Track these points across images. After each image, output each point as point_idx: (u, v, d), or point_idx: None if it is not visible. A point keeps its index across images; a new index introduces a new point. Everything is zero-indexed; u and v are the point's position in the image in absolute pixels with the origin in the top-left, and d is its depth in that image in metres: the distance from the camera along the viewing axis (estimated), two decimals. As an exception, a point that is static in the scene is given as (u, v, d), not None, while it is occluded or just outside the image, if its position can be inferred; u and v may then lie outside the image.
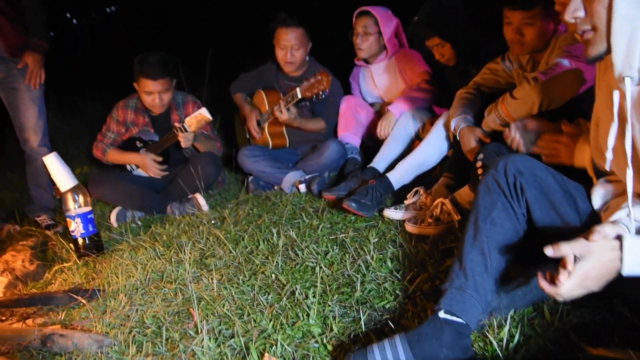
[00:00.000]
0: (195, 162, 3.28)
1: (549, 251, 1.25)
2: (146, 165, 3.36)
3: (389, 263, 2.07)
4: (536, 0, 2.18)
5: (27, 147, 3.39)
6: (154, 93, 3.29)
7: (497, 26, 2.38)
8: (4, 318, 2.13)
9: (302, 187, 3.19)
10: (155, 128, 3.43)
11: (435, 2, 2.85)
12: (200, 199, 3.14)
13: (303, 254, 2.26)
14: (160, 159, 3.37)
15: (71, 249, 2.71)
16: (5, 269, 2.41)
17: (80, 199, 2.69)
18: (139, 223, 3.13)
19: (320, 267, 2.12)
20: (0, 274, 2.38)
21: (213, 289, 2.07)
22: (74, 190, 2.69)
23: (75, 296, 2.12)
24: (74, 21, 16.96)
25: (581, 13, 1.25)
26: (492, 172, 1.59)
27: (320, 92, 3.08)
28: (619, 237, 1.25)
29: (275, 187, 3.37)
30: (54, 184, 3.62)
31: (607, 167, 1.45)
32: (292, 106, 3.24)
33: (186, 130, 3.23)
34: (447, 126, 2.62)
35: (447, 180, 2.55)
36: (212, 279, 2.14)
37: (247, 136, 3.77)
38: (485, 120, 2.34)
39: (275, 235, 2.51)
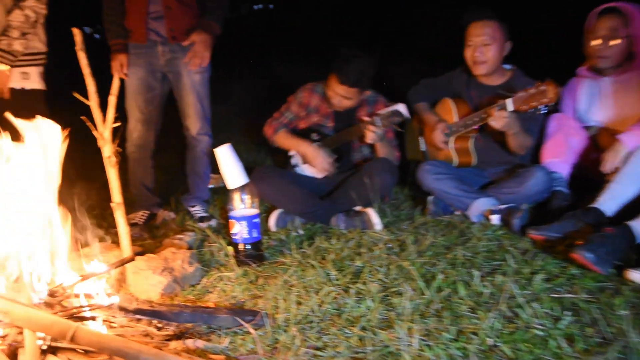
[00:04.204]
0: (370, 169, 2.86)
1: None
2: (316, 156, 3.06)
3: (662, 356, 1.49)
4: None
5: (187, 134, 3.22)
6: (340, 96, 3.04)
7: None
8: (160, 325, 1.84)
9: (495, 219, 2.65)
10: (337, 121, 3.12)
11: None
12: (373, 215, 2.71)
13: (524, 314, 1.74)
14: (333, 158, 3.06)
15: (231, 254, 2.41)
16: (165, 267, 2.14)
17: (248, 199, 2.38)
18: (302, 232, 2.77)
19: (555, 340, 1.58)
20: (160, 272, 2.11)
21: (410, 344, 1.62)
22: (243, 189, 2.38)
23: (242, 321, 1.77)
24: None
25: None
26: None
27: (542, 106, 2.50)
28: None
29: (457, 212, 2.86)
30: (212, 173, 3.45)
31: None
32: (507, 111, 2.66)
33: (376, 125, 2.84)
34: None
35: None
36: (409, 329, 1.69)
37: (422, 149, 3.30)
38: None
39: (476, 278, 2.01)
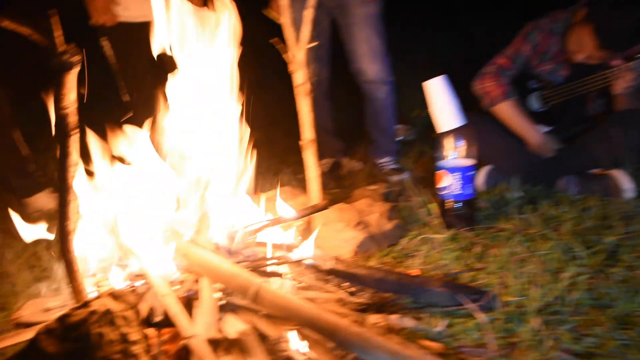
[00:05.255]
0: (622, 122, 2.19)
1: None
2: (541, 147, 2.37)
3: None
4: None
5: (361, 81, 2.77)
6: (591, 57, 2.28)
7: None
8: (353, 289, 1.47)
9: None
10: (572, 70, 2.37)
11: None
12: (623, 179, 2.07)
13: None
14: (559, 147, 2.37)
15: (435, 213, 1.96)
16: (360, 221, 1.78)
17: (464, 146, 1.90)
18: (520, 194, 2.22)
19: None
20: (354, 226, 1.75)
21: None
22: (457, 133, 1.90)
23: (465, 301, 1.32)
24: None
25: None
26: None
27: None
28: None
29: None
30: (396, 124, 3.04)
31: None
32: None
33: (634, 70, 2.14)
34: None
35: None
36: None
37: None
38: None
39: None
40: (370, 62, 2.71)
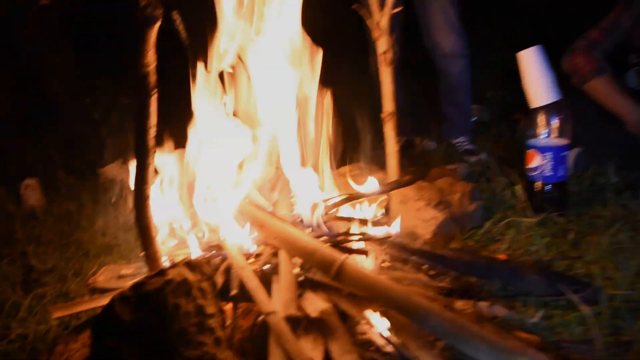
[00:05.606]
0: None
1: None
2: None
3: None
4: None
5: (436, 54, 2.63)
6: None
7: None
8: (433, 272, 1.36)
9: None
10: None
11: None
12: None
13: None
14: None
15: (520, 195, 1.82)
16: (441, 201, 1.66)
17: (557, 124, 1.74)
18: (616, 179, 2.03)
19: None
20: (434, 205, 1.64)
21: None
22: (551, 109, 1.74)
23: (568, 293, 1.19)
24: None
25: None
26: None
27: None
28: None
29: None
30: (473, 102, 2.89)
31: None
32: None
33: None
34: None
35: None
36: None
37: None
38: None
39: None
40: (445, 35, 2.57)
